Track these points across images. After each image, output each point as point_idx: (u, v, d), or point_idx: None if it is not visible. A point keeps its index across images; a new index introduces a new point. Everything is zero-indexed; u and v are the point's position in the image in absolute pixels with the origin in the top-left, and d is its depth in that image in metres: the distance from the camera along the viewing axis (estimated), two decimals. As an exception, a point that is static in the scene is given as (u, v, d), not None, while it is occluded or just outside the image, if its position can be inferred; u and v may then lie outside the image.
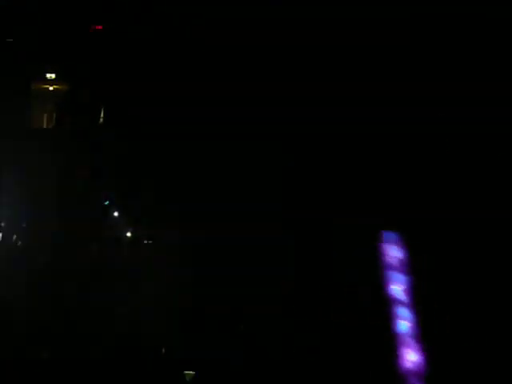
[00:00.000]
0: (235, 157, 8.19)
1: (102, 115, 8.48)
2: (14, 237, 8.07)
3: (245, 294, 7.94)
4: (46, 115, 8.45)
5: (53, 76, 8.38)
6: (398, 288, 7.77)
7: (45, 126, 8.47)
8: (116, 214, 8.39)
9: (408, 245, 7.81)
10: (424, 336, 7.59)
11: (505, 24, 7.49)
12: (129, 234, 8.41)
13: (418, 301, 7.68)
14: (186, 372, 7.67)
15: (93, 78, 8.23)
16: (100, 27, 8.26)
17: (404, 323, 7.70)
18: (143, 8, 8.19)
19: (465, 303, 7.62)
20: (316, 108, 7.91)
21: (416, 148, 7.89)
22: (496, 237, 7.66)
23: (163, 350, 7.96)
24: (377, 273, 7.77)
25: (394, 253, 7.86)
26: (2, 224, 8.04)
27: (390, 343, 7.64)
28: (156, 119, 8.09)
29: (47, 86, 8.44)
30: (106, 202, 8.30)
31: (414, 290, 7.70)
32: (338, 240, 7.93)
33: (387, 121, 7.70)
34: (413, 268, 7.75)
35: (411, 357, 7.60)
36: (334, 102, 7.79)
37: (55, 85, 8.41)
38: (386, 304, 7.72)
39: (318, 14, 7.83)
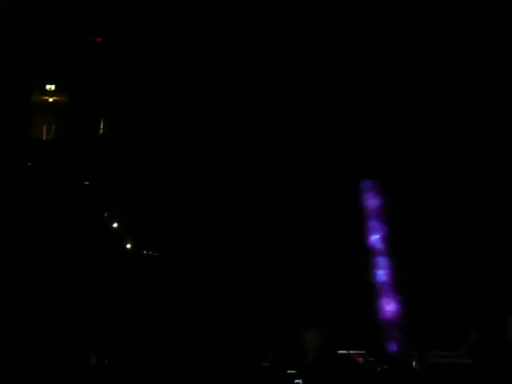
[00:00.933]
0: (237, 158, 8.20)
1: (101, 126, 8.44)
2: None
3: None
4: (45, 127, 8.41)
5: (52, 87, 8.35)
6: (376, 237, 7.73)
7: (44, 138, 8.43)
8: (115, 225, 8.33)
9: (386, 191, 7.78)
10: (402, 285, 7.58)
11: (505, 24, 7.50)
12: (129, 246, 8.36)
13: (396, 249, 7.65)
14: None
15: (92, 89, 8.20)
16: (99, 39, 8.23)
17: (382, 273, 7.62)
18: (143, 8, 8.19)
19: (443, 251, 7.52)
20: (316, 108, 7.92)
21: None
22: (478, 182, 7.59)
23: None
24: (356, 222, 7.71)
25: (372, 200, 7.75)
26: None
27: (369, 293, 7.62)
28: (158, 123, 8.10)
29: (47, 98, 8.40)
30: (106, 214, 8.26)
31: (392, 238, 7.66)
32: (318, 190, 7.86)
33: (387, 121, 7.71)
34: (390, 215, 7.72)
35: (389, 307, 7.55)
36: (334, 102, 7.81)
37: (55, 96, 8.38)
38: (365, 253, 7.67)
39: (318, 14, 7.83)
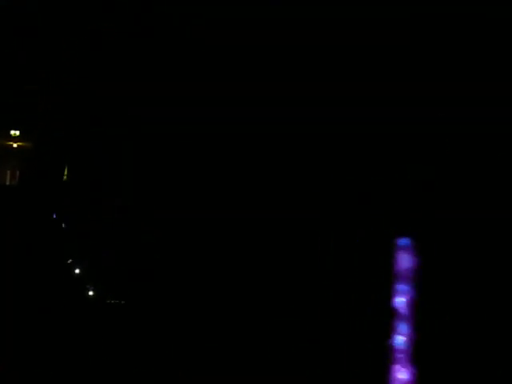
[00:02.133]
0: (236, 159, 8.19)
1: (65, 173, 8.38)
2: None
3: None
4: (9, 172, 8.40)
5: (17, 133, 8.35)
6: (402, 300, 7.38)
7: (7, 183, 8.41)
8: (78, 271, 8.19)
9: (421, 253, 7.36)
10: (418, 354, 7.21)
11: (505, 24, 7.49)
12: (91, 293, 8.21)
13: (421, 316, 7.30)
14: None
15: (58, 136, 8.19)
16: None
17: (401, 338, 7.30)
18: (143, 8, 8.19)
19: (470, 325, 7.33)
20: (316, 108, 7.91)
21: (421, 149, 7.79)
22: None
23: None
24: (385, 282, 7.53)
25: (405, 261, 7.56)
26: None
27: (384, 358, 7.29)
28: (158, 123, 8.09)
29: (11, 143, 8.40)
30: (70, 260, 8.16)
31: (419, 304, 7.32)
32: (346, 243, 7.78)
33: (387, 121, 7.70)
34: (421, 279, 7.34)
35: (402, 375, 7.26)
36: (334, 102, 7.80)
37: (19, 142, 8.38)
38: (388, 316, 7.55)
39: (318, 14, 7.83)
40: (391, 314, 7.40)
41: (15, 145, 8.40)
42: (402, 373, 7.30)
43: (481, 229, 7.39)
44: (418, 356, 7.27)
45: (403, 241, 7.56)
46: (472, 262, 7.36)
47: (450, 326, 7.36)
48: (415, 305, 7.37)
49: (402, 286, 7.50)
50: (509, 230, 7.29)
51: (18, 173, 8.40)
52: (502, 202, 7.39)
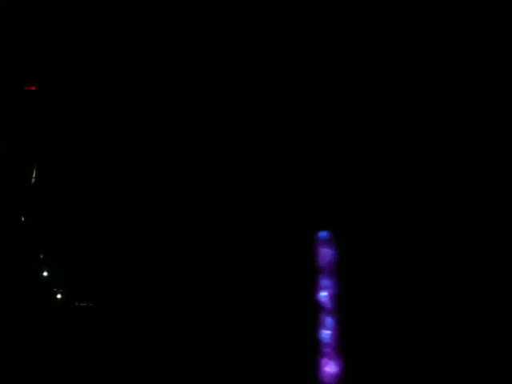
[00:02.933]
0: (235, 160, 8.19)
1: (34, 175, 8.32)
2: None
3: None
4: None
5: None
6: (325, 294, 7.46)
7: None
8: (46, 272, 8.14)
9: (341, 246, 7.50)
10: (345, 347, 7.32)
11: (505, 24, 7.51)
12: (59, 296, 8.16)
13: (344, 309, 7.40)
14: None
15: (27, 138, 8.16)
16: (33, 88, 8.16)
17: (327, 332, 7.40)
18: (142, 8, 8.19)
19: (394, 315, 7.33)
20: (316, 108, 7.93)
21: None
22: (443, 242, 7.34)
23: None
24: (306, 276, 7.57)
25: (326, 255, 7.56)
26: None
27: (310, 352, 7.39)
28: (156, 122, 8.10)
29: None
30: (41, 256, 8.10)
31: (342, 297, 7.42)
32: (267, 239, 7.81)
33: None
34: (342, 272, 7.45)
35: (330, 368, 7.35)
36: (334, 101, 7.82)
37: None
38: (312, 310, 7.48)
39: (318, 14, 7.85)
40: (316, 308, 7.43)
41: None
42: (330, 366, 7.32)
43: (401, 222, 7.46)
44: (344, 349, 7.30)
45: (323, 234, 7.59)
46: (392, 255, 7.43)
47: (373, 318, 7.37)
48: (338, 298, 7.41)
49: (324, 280, 7.52)
50: (423, 223, 7.37)
51: None
52: (418, 197, 7.47)
